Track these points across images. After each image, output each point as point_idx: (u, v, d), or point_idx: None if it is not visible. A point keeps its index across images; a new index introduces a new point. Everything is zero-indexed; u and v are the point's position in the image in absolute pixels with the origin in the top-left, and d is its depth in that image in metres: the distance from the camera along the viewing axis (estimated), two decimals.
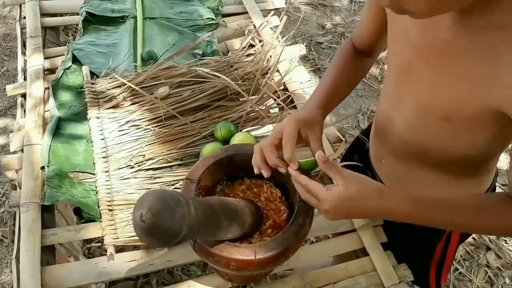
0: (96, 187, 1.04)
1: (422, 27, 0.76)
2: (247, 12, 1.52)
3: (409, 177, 0.97)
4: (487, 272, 1.79)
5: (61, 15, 1.53)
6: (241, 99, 1.22)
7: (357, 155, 1.15)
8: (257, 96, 1.22)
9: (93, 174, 1.07)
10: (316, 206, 0.75)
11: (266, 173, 0.80)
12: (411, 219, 0.76)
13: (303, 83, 1.31)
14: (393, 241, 1.02)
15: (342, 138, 1.17)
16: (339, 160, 1.12)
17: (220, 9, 1.53)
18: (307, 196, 0.76)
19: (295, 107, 1.25)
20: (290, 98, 1.25)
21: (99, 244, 1.57)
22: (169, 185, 1.06)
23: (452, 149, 0.85)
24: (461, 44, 0.71)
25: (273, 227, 0.83)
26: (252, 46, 1.37)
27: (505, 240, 1.89)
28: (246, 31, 1.41)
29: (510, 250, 1.86)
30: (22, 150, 1.11)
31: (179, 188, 1.03)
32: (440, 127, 0.82)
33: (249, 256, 0.74)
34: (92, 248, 1.60)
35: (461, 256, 1.82)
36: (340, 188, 0.71)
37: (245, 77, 1.26)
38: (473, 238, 1.88)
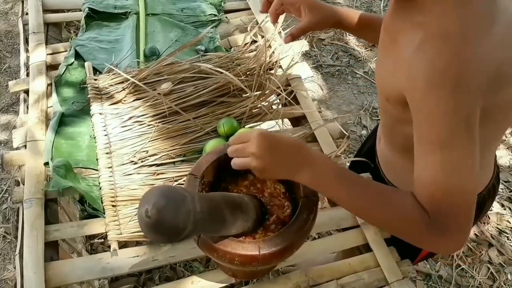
0: (99, 183, 1.04)
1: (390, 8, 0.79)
2: (249, 8, 1.52)
3: (398, 161, 0.97)
4: (489, 269, 1.79)
5: (64, 11, 1.53)
6: (243, 95, 1.22)
7: (374, 136, 1.16)
8: (259, 92, 1.21)
9: (96, 170, 1.07)
10: (245, 151, 0.73)
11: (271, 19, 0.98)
12: (324, 179, 0.73)
13: (306, 79, 1.31)
14: (396, 237, 1.02)
15: (345, 133, 1.17)
16: (343, 157, 1.12)
17: (222, 5, 1.53)
18: (237, 151, 0.74)
19: (298, 102, 1.25)
20: (293, 94, 1.25)
21: (102, 240, 1.57)
22: (172, 181, 1.06)
23: (408, 134, 0.82)
24: (397, 24, 0.71)
25: (277, 223, 0.83)
26: (254, 42, 1.37)
27: (507, 237, 1.88)
28: (249, 27, 1.41)
29: None
30: (25, 146, 1.11)
31: (182, 184, 1.03)
32: (387, 108, 0.82)
33: (254, 251, 0.74)
34: (95, 245, 1.61)
35: (463, 252, 1.82)
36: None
37: (247, 73, 1.25)
38: (475, 234, 1.88)
